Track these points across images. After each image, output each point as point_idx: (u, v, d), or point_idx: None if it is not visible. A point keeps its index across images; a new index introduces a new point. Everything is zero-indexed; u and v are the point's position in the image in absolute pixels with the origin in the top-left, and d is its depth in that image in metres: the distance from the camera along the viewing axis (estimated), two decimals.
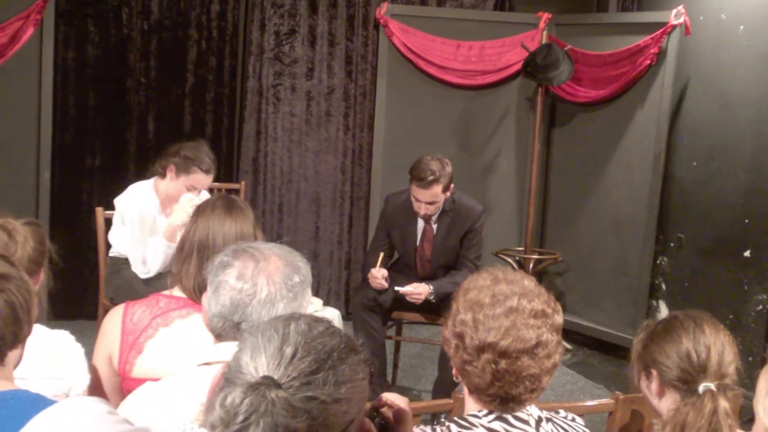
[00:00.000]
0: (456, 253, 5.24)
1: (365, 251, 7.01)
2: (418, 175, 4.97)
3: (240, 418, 1.34)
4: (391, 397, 1.94)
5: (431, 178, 4.92)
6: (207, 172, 4.72)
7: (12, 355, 1.93)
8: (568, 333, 6.87)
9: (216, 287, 2.04)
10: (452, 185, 5.10)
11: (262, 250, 2.09)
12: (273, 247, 2.12)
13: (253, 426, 1.34)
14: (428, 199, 5.00)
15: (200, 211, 2.82)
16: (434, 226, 5.21)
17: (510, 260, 6.67)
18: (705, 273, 6.18)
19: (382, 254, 5.18)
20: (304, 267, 2.13)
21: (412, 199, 5.07)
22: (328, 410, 1.41)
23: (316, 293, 6.62)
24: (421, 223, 5.22)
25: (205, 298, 2.07)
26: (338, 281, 7.14)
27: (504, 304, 2.05)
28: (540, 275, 7.01)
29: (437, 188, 4.96)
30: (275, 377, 1.40)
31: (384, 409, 1.78)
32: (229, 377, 1.45)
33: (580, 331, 6.74)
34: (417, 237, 5.25)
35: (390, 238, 5.35)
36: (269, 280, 2.03)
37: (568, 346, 6.88)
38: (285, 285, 2.05)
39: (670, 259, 6.48)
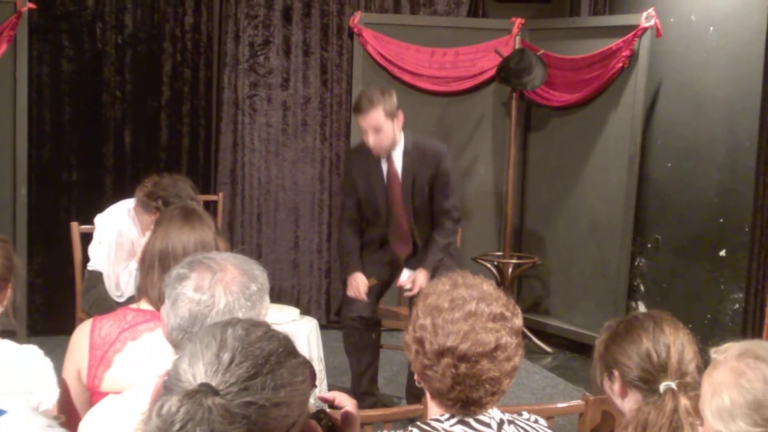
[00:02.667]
0: (427, 200, 5.15)
1: None
2: (357, 105, 5.01)
3: (176, 426, 1.34)
4: (339, 398, 1.96)
5: (367, 103, 4.90)
6: None
7: None
8: (548, 336, 6.91)
9: (174, 300, 2.04)
10: (401, 116, 5.02)
11: (218, 260, 2.09)
12: (229, 257, 2.12)
13: None
14: (372, 124, 4.92)
15: (158, 221, 2.83)
16: (398, 166, 5.13)
17: (489, 265, 6.70)
18: (682, 273, 6.22)
19: (372, 280, 5.16)
20: (261, 275, 2.13)
21: (363, 137, 5.03)
22: (268, 414, 1.41)
23: (296, 302, 6.65)
24: (385, 166, 5.13)
25: (164, 310, 2.07)
26: (318, 290, 7.14)
27: (463, 308, 2.05)
28: (519, 279, 7.05)
29: (377, 113, 4.89)
30: (213, 384, 1.39)
31: (331, 411, 1.79)
32: (167, 385, 1.44)
33: (561, 334, 6.78)
34: (384, 178, 5.15)
35: (358, 196, 5.21)
36: (227, 290, 2.04)
37: (549, 349, 6.91)
38: (243, 294, 2.06)
39: (648, 260, 6.52)
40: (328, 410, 1.79)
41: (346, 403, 1.89)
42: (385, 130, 4.95)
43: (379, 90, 5.02)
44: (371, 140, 4.98)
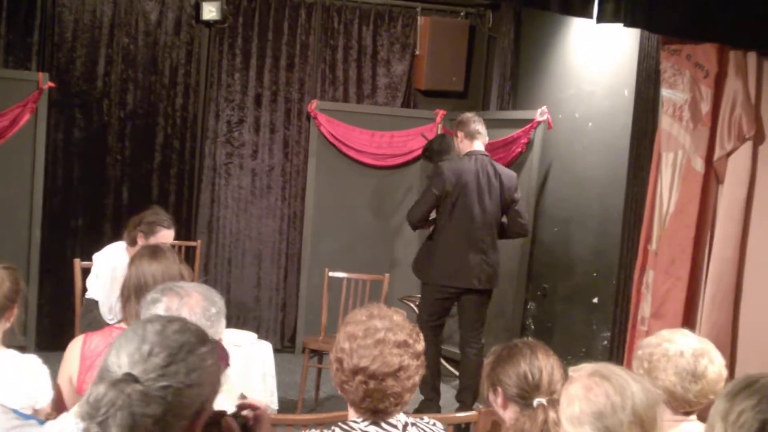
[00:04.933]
0: None
1: (298, 297, 7.01)
2: None
3: (101, 411, 1.33)
4: (255, 402, 1.95)
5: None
6: (169, 227, 4.63)
7: None
8: (456, 363, 6.88)
9: None
10: (460, 134, 5.37)
11: (185, 288, 2.11)
12: (195, 286, 2.14)
13: (111, 418, 1.33)
14: None
15: (131, 260, 2.84)
16: None
17: (412, 305, 6.70)
18: (564, 315, 6.26)
19: None
20: (219, 301, 2.15)
21: None
22: (182, 394, 1.41)
23: (257, 330, 6.57)
24: None
25: None
26: (275, 321, 7.08)
27: (374, 336, 2.08)
28: None
29: None
30: (135, 373, 1.39)
31: (246, 412, 1.77)
32: (100, 375, 1.43)
33: None
34: None
35: None
36: (191, 311, 2.05)
37: (457, 372, 6.90)
38: (204, 315, 2.07)
39: (538, 305, 6.55)
40: (244, 412, 1.75)
41: (260, 406, 1.86)
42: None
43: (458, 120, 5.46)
44: None
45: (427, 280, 5.39)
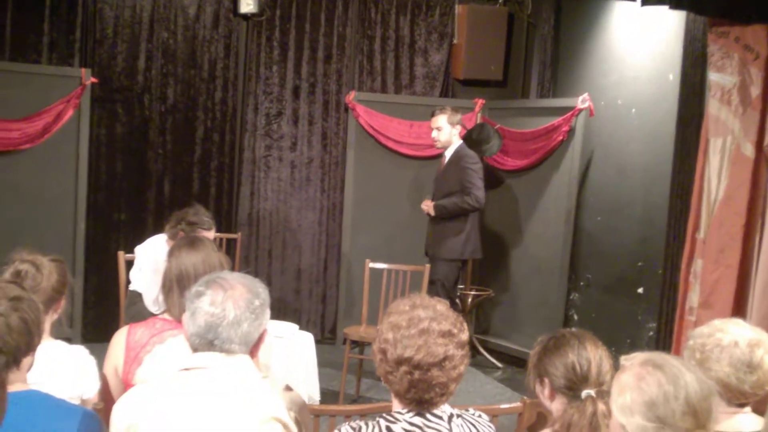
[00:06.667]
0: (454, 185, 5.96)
1: (338, 288, 7.03)
2: (433, 111, 6.11)
3: None
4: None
5: (436, 110, 6.05)
6: (209, 229, 4.67)
7: (25, 362, 1.94)
8: (499, 354, 6.87)
9: (193, 312, 2.04)
10: (459, 126, 6.07)
11: (229, 280, 2.09)
12: (238, 277, 2.12)
13: None
14: (433, 125, 6.04)
15: (171, 252, 2.85)
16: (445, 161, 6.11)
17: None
18: (608, 306, 6.20)
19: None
20: (263, 292, 2.13)
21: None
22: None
23: (297, 321, 6.58)
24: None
25: (185, 319, 2.08)
26: (316, 312, 7.10)
27: (417, 326, 2.05)
28: (477, 307, 7.03)
29: (439, 118, 6.00)
30: None
31: None
32: None
33: (509, 353, 6.73)
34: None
35: None
36: (235, 304, 2.03)
37: (499, 364, 6.87)
38: (248, 308, 2.05)
39: (580, 295, 6.50)
40: None
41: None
42: (442, 130, 6.02)
43: (452, 108, 6.09)
44: (433, 134, 6.06)
45: (460, 256, 6.05)
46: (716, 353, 2.37)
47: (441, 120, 6.00)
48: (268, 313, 2.13)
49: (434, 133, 6.06)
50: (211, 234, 4.70)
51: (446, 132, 6.02)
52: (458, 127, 6.06)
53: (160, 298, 4.55)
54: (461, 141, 6.08)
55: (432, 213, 6.01)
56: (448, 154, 6.09)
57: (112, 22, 6.41)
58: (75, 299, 6.09)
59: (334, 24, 6.90)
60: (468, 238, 6.00)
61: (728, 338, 2.39)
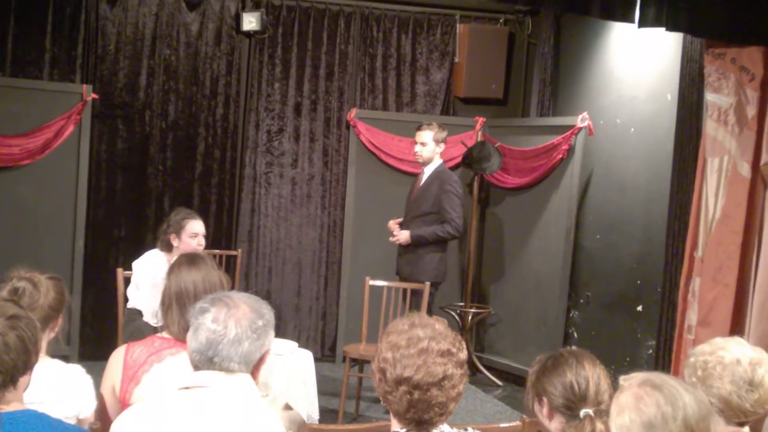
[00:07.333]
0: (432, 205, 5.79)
1: (338, 306, 7.02)
2: (419, 126, 5.91)
3: None
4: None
5: (423, 125, 5.85)
6: (195, 218, 4.66)
7: (23, 380, 1.93)
8: (499, 372, 6.85)
9: (196, 328, 2.03)
10: (443, 145, 5.86)
11: (235, 299, 2.07)
12: (244, 297, 2.10)
13: None
14: (418, 140, 5.82)
15: (170, 269, 2.84)
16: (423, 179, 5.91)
17: (453, 313, 6.68)
18: (607, 323, 6.18)
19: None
20: (268, 313, 2.11)
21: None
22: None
23: (297, 339, 6.58)
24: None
25: (188, 336, 2.07)
26: (315, 329, 7.08)
27: (417, 345, 2.03)
28: (477, 325, 7.02)
29: (425, 133, 5.79)
30: None
31: None
32: None
33: (509, 371, 6.71)
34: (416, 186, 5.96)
35: None
36: (237, 323, 2.02)
37: (499, 382, 6.85)
38: (250, 327, 2.03)
39: (580, 313, 6.49)
40: None
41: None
42: (427, 146, 5.81)
43: (439, 124, 5.87)
44: (416, 149, 5.86)
45: (442, 279, 5.92)
46: (718, 371, 2.37)
47: (427, 135, 5.79)
48: (271, 334, 2.12)
49: (417, 148, 5.83)
50: (199, 221, 4.65)
51: (430, 148, 5.80)
52: (442, 146, 5.85)
53: (160, 312, 4.58)
54: (441, 161, 5.90)
55: (404, 243, 5.79)
56: (427, 171, 5.88)
57: (114, 39, 6.44)
58: (73, 316, 6.10)
59: (336, 42, 6.93)
60: (441, 260, 5.86)
61: (730, 356, 2.39)
